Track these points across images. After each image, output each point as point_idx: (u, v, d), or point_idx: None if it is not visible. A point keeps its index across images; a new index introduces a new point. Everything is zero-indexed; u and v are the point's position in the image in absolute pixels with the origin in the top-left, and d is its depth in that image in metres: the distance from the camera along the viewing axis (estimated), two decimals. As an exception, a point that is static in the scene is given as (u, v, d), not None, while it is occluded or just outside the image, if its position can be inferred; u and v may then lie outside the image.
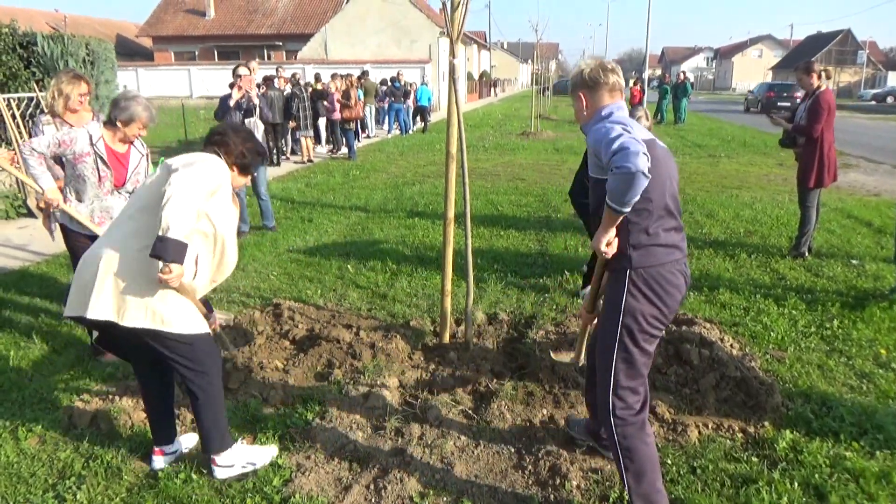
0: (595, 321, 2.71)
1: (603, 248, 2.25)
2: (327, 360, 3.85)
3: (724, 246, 6.46)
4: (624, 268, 2.30)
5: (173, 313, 2.43)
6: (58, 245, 4.92)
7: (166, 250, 2.21)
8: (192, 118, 22.54)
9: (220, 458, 2.72)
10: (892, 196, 9.34)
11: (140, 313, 2.40)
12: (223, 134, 2.66)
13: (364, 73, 17.93)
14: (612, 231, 2.23)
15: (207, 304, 2.88)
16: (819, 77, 5.75)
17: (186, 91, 34.46)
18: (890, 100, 46.12)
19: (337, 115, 14.04)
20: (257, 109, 6.65)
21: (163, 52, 42.16)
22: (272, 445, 2.94)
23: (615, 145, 2.07)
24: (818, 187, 5.86)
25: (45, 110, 4.40)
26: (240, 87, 6.45)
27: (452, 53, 3.73)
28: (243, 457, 2.77)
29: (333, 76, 15.10)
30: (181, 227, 2.24)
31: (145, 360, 2.73)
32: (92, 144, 3.77)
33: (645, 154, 2.04)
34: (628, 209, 2.13)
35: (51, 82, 4.40)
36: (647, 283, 2.28)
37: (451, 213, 3.98)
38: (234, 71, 6.83)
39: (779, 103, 26.90)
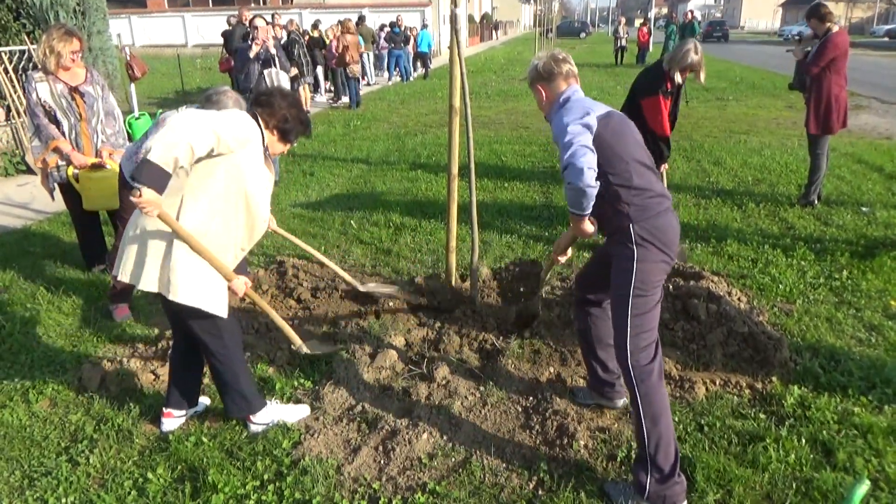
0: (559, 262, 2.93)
1: (588, 230, 2.44)
2: (332, 319, 3.84)
3: (731, 195, 6.37)
4: (627, 225, 2.43)
5: (184, 280, 2.40)
6: (59, 203, 4.87)
7: (140, 171, 2.15)
8: (189, 67, 22.14)
9: (255, 417, 2.80)
10: (904, 139, 9.16)
11: (153, 277, 2.42)
12: (270, 95, 2.61)
13: (361, 19, 17.42)
14: (585, 222, 2.42)
15: (244, 268, 2.78)
16: (827, 21, 5.54)
17: (181, 39, 33.74)
18: (902, 36, 44.81)
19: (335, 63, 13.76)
20: (276, 60, 6.48)
21: (156, -1, 41.10)
22: (304, 404, 2.98)
23: (566, 156, 2.27)
24: (825, 134, 5.72)
25: (38, 66, 4.28)
26: (258, 40, 6.29)
27: (454, 3, 3.59)
28: (275, 415, 2.84)
29: (338, 23, 14.67)
30: (163, 153, 2.14)
31: (174, 319, 2.77)
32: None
33: (591, 168, 2.24)
34: (588, 212, 2.35)
35: (42, 38, 4.28)
36: (651, 232, 2.42)
37: (454, 169, 3.90)
38: (251, 22, 6.64)
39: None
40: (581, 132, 2.33)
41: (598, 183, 2.30)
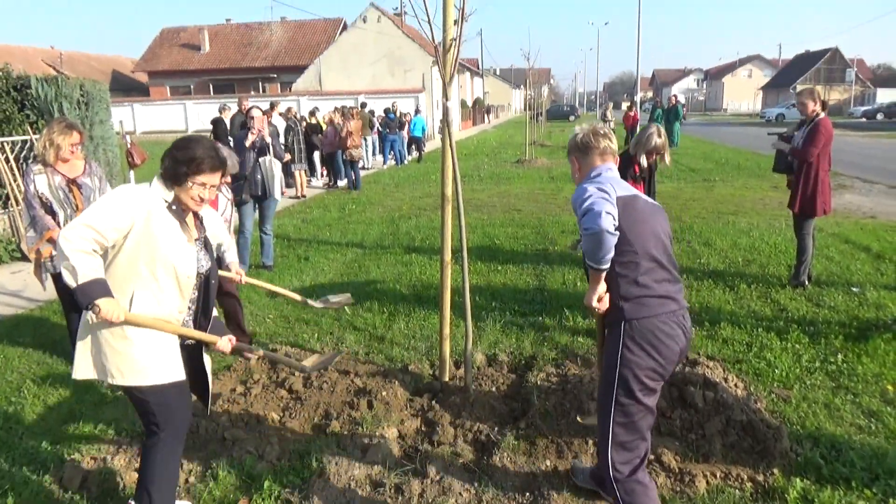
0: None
1: (595, 304, 2.37)
2: (324, 410, 3.77)
3: (723, 276, 6.42)
4: (619, 320, 2.37)
5: (121, 363, 2.40)
6: (51, 292, 4.86)
7: (82, 296, 2.23)
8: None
9: None
10: (889, 218, 9.34)
11: (87, 364, 2.47)
12: None
13: (363, 106, 18.06)
14: (600, 287, 2.35)
15: (219, 328, 2.77)
16: (819, 104, 5.75)
17: (182, 125, 34.66)
18: (880, 116, 46.53)
19: (332, 148, 14.16)
20: (271, 148, 6.66)
21: (158, 87, 42.56)
22: None
23: (584, 206, 2.27)
24: (812, 216, 5.83)
25: (38, 158, 4.38)
26: (253, 129, 6.49)
27: (445, 96, 3.73)
28: None
29: (336, 109, 15.19)
30: (80, 271, 2.22)
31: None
32: None
33: (609, 213, 2.21)
34: (605, 266, 2.28)
35: (43, 130, 4.40)
36: (643, 334, 2.33)
37: (447, 256, 3.94)
38: (248, 112, 6.85)
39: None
40: (601, 193, 2.32)
41: (617, 233, 2.24)
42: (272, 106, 13.15)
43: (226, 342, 2.65)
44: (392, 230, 9.30)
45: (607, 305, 2.39)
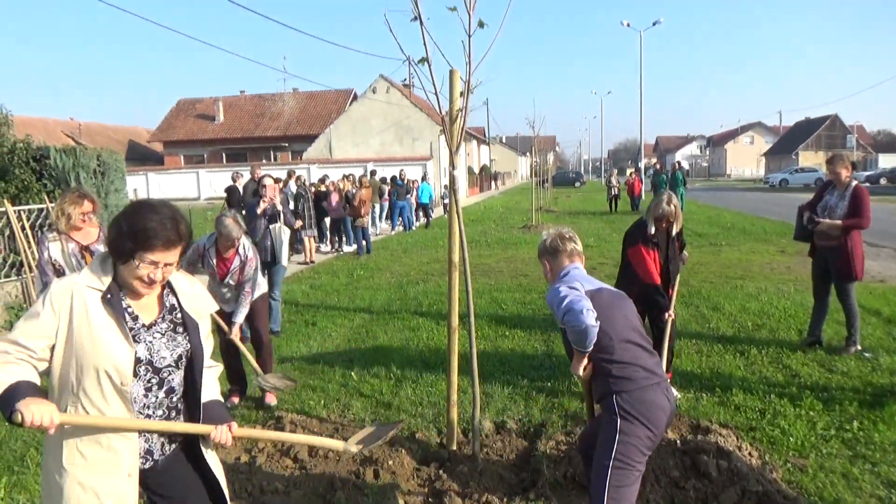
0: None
1: (580, 372, 2.68)
2: (329, 481, 3.70)
3: (733, 341, 6.37)
4: (611, 395, 2.58)
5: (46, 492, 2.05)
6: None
7: (2, 412, 1.83)
8: (200, 219, 23.01)
9: None
10: (898, 282, 9.30)
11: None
12: None
13: (372, 173, 18.51)
14: (584, 360, 2.66)
15: (222, 415, 2.23)
16: (849, 169, 5.86)
17: (195, 193, 35.36)
18: (883, 181, 46.90)
19: (339, 213, 14.44)
20: (281, 216, 6.82)
21: (173, 156, 43.65)
22: None
23: (563, 306, 2.54)
24: (858, 279, 5.86)
25: (52, 226, 4.49)
26: (265, 197, 6.66)
27: (452, 165, 3.83)
28: None
29: (345, 177, 15.55)
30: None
31: None
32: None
33: (588, 309, 2.50)
34: (590, 349, 2.57)
35: (57, 200, 4.53)
36: (635, 407, 2.53)
37: (454, 322, 3.95)
38: (260, 181, 7.04)
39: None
40: (574, 291, 2.60)
41: (598, 322, 2.51)
42: (290, 174, 13.47)
43: (224, 432, 2.13)
44: (400, 295, 9.32)
45: (591, 372, 2.67)
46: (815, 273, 6.21)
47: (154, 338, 2.08)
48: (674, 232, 4.87)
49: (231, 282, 4.80)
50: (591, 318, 2.46)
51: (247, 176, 13.06)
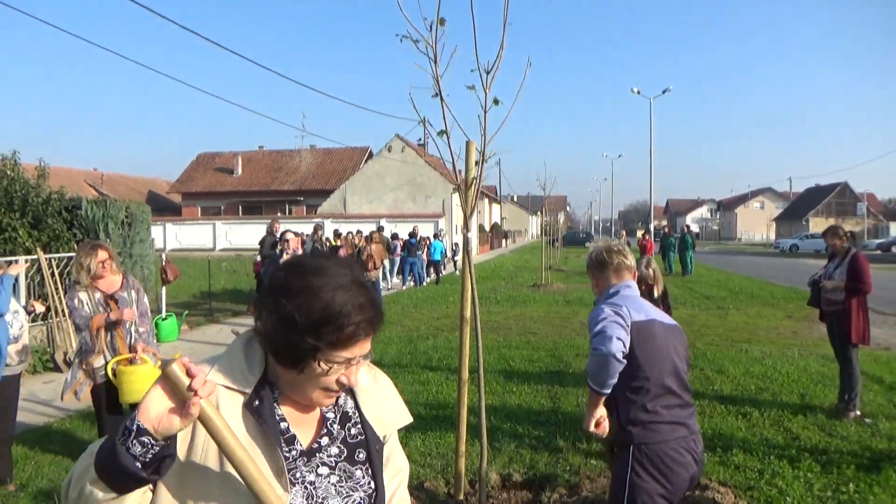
0: None
1: (592, 429, 2.45)
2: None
3: (735, 403, 6.51)
4: (627, 444, 2.43)
5: None
6: (77, 402, 5.09)
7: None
8: (216, 270, 23.43)
9: None
10: (903, 350, 9.40)
11: None
12: None
13: (380, 229, 18.93)
14: (597, 411, 2.44)
15: None
16: (846, 239, 6.20)
17: (210, 244, 36.01)
18: (894, 249, 46.92)
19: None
20: None
21: (190, 207, 44.61)
22: None
23: (597, 328, 2.39)
24: (863, 343, 6.09)
25: (76, 281, 4.75)
26: (287, 249, 6.95)
27: (467, 228, 4.14)
28: None
29: (357, 233, 15.96)
30: None
31: None
32: None
33: (620, 339, 2.32)
34: (607, 391, 2.37)
35: (74, 258, 4.82)
36: (651, 460, 2.38)
37: (465, 375, 4.17)
38: (283, 236, 7.35)
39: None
40: (616, 317, 2.41)
41: (625, 361, 2.31)
42: (316, 229, 13.90)
43: None
44: (410, 349, 9.53)
45: (607, 430, 2.46)
46: (830, 339, 6.49)
47: (318, 474, 1.28)
48: (656, 294, 5.09)
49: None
50: (617, 348, 2.28)
51: (282, 228, 13.48)
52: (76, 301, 4.57)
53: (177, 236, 36.37)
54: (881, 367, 8.15)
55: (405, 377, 7.76)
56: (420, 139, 38.50)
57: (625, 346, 2.34)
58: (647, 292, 5.04)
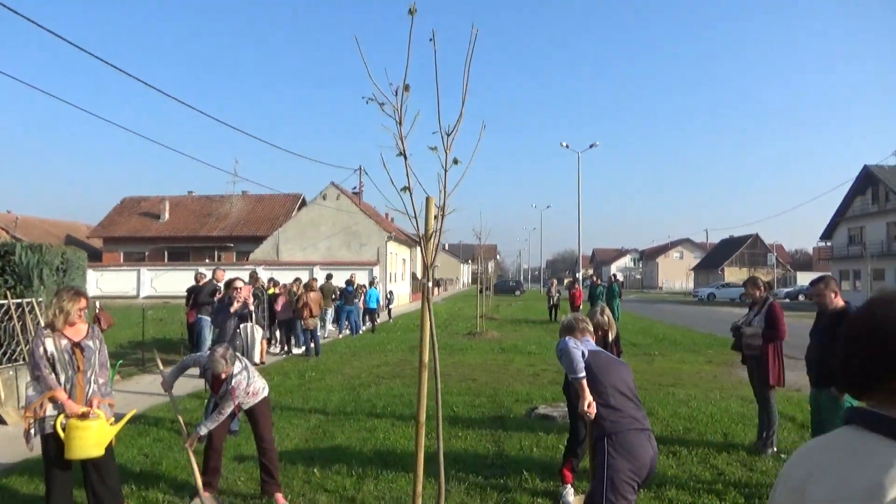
0: None
1: (586, 408, 3.38)
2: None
3: (665, 442, 6.94)
4: (602, 436, 3.30)
5: None
6: (21, 454, 4.98)
7: None
8: (139, 318, 22.61)
9: None
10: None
11: None
12: None
13: (328, 277, 19.02)
14: (587, 395, 3.40)
15: None
16: (763, 289, 6.83)
17: (134, 291, 34.70)
18: (801, 297, 50.20)
19: (288, 315, 14.82)
20: (253, 315, 7.17)
21: (112, 253, 42.91)
22: None
23: (563, 346, 3.64)
24: (780, 385, 6.64)
25: (48, 324, 4.75)
26: (238, 297, 7.02)
27: (427, 278, 4.42)
28: None
29: (295, 280, 15.96)
30: None
31: None
32: None
33: (577, 346, 3.54)
34: (582, 374, 3.45)
35: (53, 298, 4.83)
36: (622, 443, 3.24)
37: (422, 417, 4.39)
38: (231, 283, 7.39)
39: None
40: (575, 342, 3.67)
41: (585, 356, 3.47)
42: (252, 276, 13.80)
43: None
44: (353, 397, 9.59)
45: (595, 412, 3.37)
46: (750, 381, 7.06)
47: None
48: (610, 338, 5.54)
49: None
50: (574, 345, 3.49)
51: (209, 275, 13.25)
52: (41, 350, 4.55)
53: (97, 283, 34.80)
54: (794, 406, 8.85)
55: (351, 424, 7.85)
56: (355, 187, 38.76)
57: (579, 350, 3.50)
58: (602, 337, 5.47)
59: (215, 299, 12.06)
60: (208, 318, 12.10)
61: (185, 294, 13.79)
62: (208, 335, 11.94)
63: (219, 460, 5.41)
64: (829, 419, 5.29)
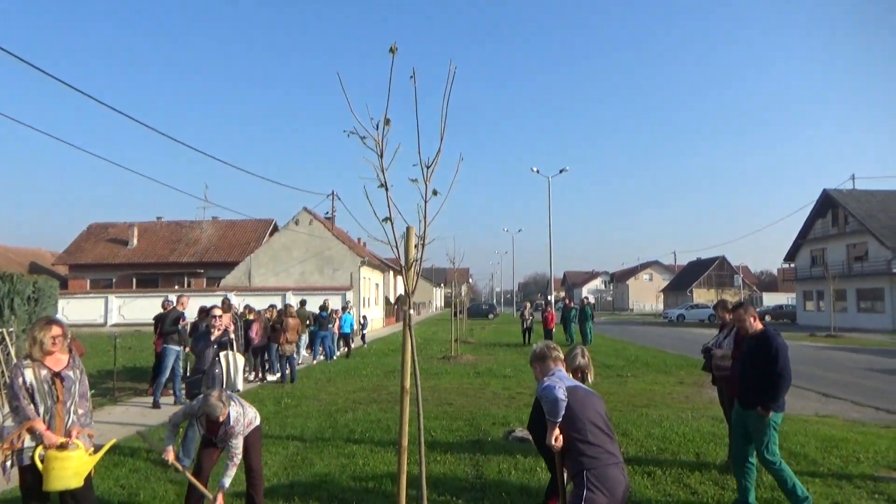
0: None
1: (552, 442, 3.58)
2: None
3: (640, 462, 7.10)
4: (581, 471, 3.41)
5: None
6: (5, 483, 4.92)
7: None
8: (108, 347, 22.19)
9: None
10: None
11: None
12: None
13: (303, 303, 18.92)
14: (555, 431, 3.60)
15: None
16: (730, 312, 7.02)
17: (101, 318, 34.02)
18: (768, 318, 51.25)
19: (262, 342, 14.76)
20: (233, 344, 7.14)
21: (79, 280, 42.06)
22: None
23: (545, 388, 3.72)
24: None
25: (26, 354, 4.73)
26: (219, 325, 7.02)
27: (409, 305, 4.54)
28: None
29: (270, 307, 15.89)
30: None
31: None
32: None
33: (561, 388, 3.62)
34: (558, 420, 3.56)
35: (28, 331, 4.83)
36: (599, 479, 3.37)
37: (405, 442, 4.48)
38: (209, 311, 7.39)
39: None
40: (557, 381, 3.76)
41: (567, 399, 3.54)
42: (224, 303, 13.68)
43: None
44: (331, 423, 9.58)
45: (560, 445, 3.49)
46: (720, 401, 7.25)
47: None
48: (589, 380, 5.65)
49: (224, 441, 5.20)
50: (561, 393, 3.53)
51: (175, 303, 13.12)
52: (20, 381, 4.52)
53: (63, 310, 34.02)
54: (762, 425, 9.07)
55: (329, 451, 7.85)
56: (328, 212, 38.75)
57: (564, 394, 3.57)
58: (581, 378, 5.59)
59: (179, 327, 11.99)
60: (175, 348, 11.99)
61: (153, 322, 13.64)
62: (170, 364, 11.82)
63: (205, 486, 5.39)
64: (756, 437, 5.49)
